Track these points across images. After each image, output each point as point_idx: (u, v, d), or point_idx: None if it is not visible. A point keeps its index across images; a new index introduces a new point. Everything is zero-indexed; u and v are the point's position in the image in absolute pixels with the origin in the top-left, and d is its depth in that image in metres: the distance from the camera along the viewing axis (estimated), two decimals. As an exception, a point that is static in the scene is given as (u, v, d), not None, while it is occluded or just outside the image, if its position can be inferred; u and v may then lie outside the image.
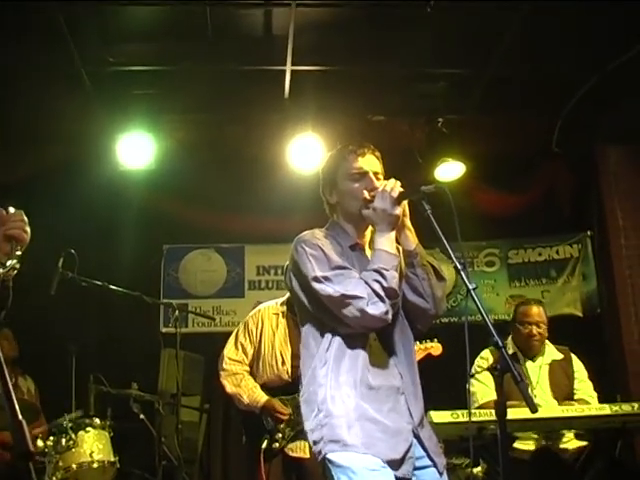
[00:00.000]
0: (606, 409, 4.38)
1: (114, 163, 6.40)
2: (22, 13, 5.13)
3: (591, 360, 5.21)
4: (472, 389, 4.85)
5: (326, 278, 2.71)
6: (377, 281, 2.67)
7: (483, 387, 4.79)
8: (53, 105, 6.12)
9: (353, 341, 2.74)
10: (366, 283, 2.67)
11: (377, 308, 2.64)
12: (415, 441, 2.72)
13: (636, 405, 4.40)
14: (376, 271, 2.69)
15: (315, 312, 2.80)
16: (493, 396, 4.74)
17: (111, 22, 5.41)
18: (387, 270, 2.69)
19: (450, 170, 6.69)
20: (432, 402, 4.67)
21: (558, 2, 5.20)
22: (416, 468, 2.69)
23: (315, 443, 2.67)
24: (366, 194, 2.83)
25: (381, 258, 2.72)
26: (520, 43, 5.62)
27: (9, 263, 2.32)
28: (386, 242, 2.75)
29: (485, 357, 4.92)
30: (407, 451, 2.66)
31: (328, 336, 2.76)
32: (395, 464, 2.61)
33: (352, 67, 5.99)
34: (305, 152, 6.37)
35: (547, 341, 5.09)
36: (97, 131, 6.41)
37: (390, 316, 2.70)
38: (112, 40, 5.62)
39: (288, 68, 5.86)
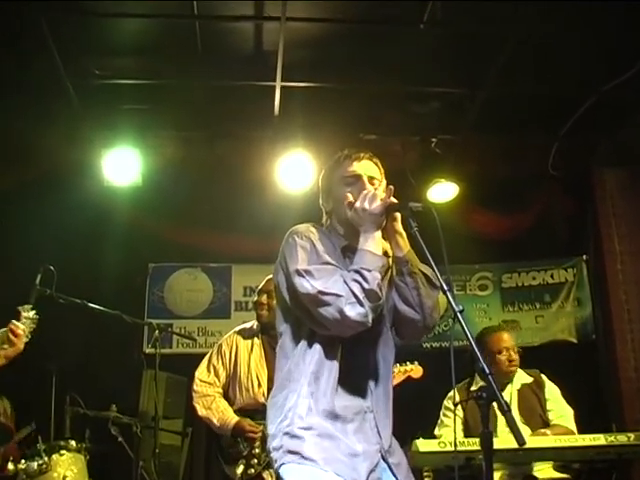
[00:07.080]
0: (601, 439, 4.16)
1: (99, 179, 6.30)
2: (7, 25, 5.07)
3: (585, 388, 5.07)
4: (437, 431, 4.67)
5: (307, 272, 2.54)
6: (357, 281, 2.50)
7: (449, 430, 4.58)
8: (38, 117, 6.03)
9: (330, 348, 2.58)
10: (345, 283, 2.50)
11: (354, 309, 2.46)
12: (384, 465, 2.56)
13: (632, 435, 4.19)
14: (356, 271, 2.52)
15: (294, 309, 2.63)
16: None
17: (99, 35, 5.34)
18: (369, 271, 2.51)
19: (443, 191, 6.59)
20: (422, 429, 4.56)
21: (554, 23, 5.15)
22: None
23: (274, 450, 2.51)
24: (349, 197, 2.68)
25: (363, 258, 2.55)
26: (516, 63, 5.55)
27: None
28: (370, 242, 2.59)
29: (451, 397, 4.65)
30: (371, 471, 2.49)
31: (306, 339, 2.60)
32: None
33: (343, 84, 5.91)
34: (295, 170, 6.26)
35: None
36: (82, 145, 6.31)
37: (370, 319, 2.50)
38: (99, 53, 5.57)
39: (278, 84, 5.77)
